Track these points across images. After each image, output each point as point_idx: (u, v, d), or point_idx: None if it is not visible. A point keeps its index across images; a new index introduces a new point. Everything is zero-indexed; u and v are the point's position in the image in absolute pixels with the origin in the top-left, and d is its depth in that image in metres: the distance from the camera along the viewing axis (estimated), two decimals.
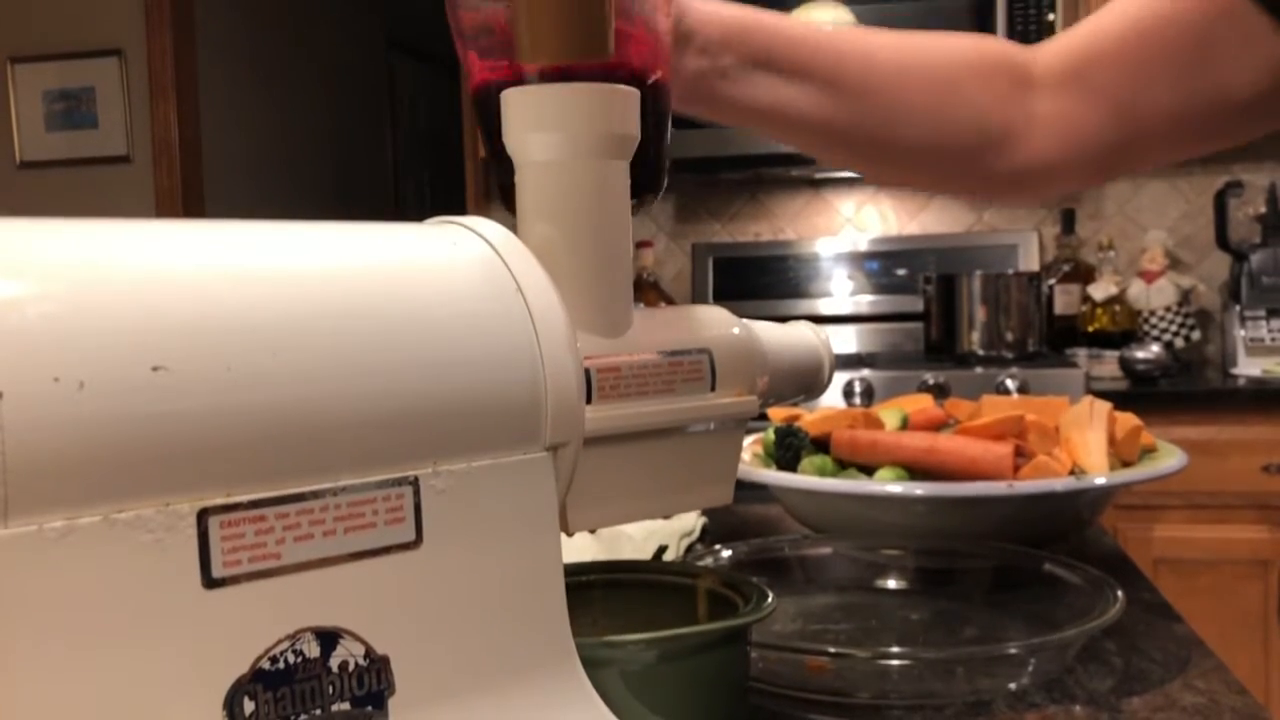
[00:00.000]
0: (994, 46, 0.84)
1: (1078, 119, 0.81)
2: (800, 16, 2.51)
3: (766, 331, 0.58)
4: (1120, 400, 1.03)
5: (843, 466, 0.95)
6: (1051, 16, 2.36)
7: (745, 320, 0.57)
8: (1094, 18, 0.83)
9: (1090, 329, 2.62)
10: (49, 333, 0.29)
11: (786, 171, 2.83)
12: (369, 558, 0.35)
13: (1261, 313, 2.43)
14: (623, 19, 0.53)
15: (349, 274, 0.37)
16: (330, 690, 0.34)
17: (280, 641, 0.33)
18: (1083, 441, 0.93)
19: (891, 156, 0.82)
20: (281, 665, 0.33)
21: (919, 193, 2.75)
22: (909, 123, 0.79)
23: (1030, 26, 2.37)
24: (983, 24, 2.39)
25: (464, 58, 0.58)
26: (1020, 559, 0.81)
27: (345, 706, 0.35)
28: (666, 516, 0.98)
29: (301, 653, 0.34)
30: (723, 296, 2.85)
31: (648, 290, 2.76)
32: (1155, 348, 2.35)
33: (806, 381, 0.61)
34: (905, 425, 1.00)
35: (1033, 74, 0.82)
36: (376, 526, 0.35)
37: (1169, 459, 0.94)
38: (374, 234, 0.40)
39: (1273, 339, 2.42)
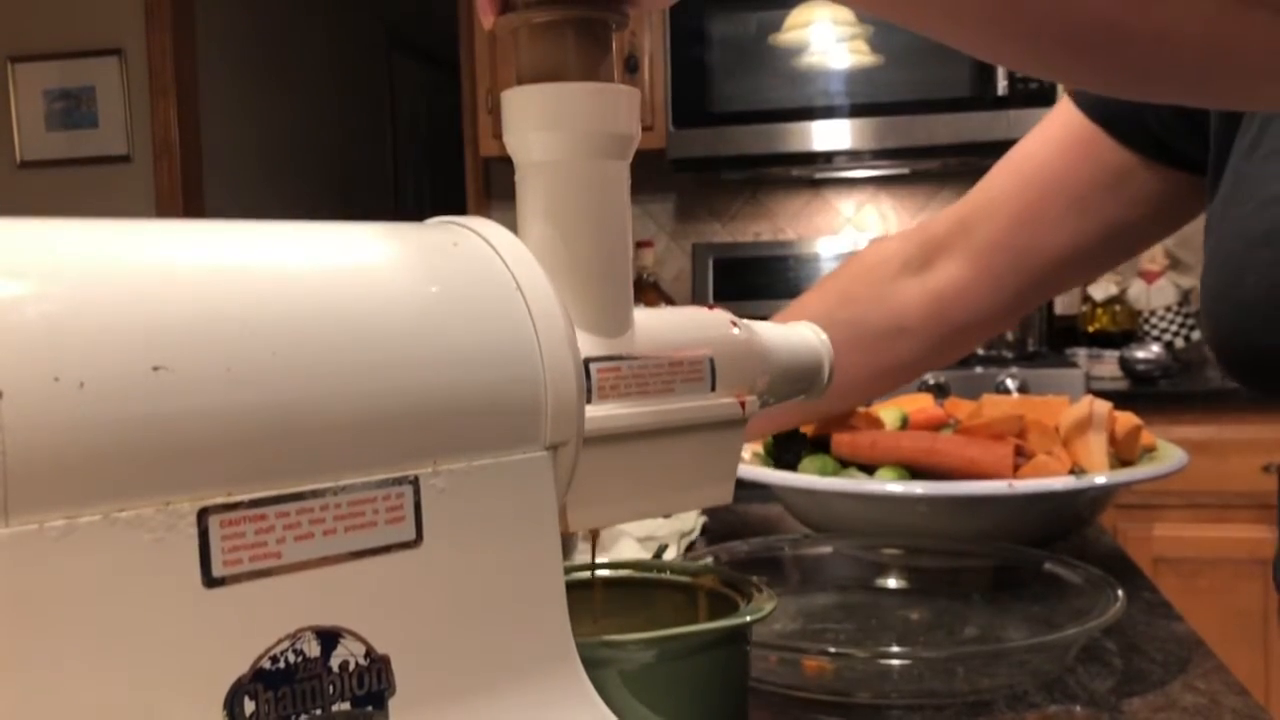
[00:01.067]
0: (881, 249, 0.93)
1: (964, 277, 0.88)
2: (799, 15, 2.51)
3: (766, 332, 0.58)
4: (1120, 400, 1.03)
5: (843, 466, 0.95)
6: None
7: (745, 320, 0.57)
8: (984, 181, 0.92)
9: (1090, 329, 2.62)
10: (49, 333, 0.29)
11: (787, 171, 2.83)
12: (369, 557, 0.35)
13: None
14: None
15: (349, 274, 0.37)
16: (331, 690, 0.34)
17: (280, 641, 0.33)
18: (1083, 441, 0.93)
19: (827, 405, 0.94)
20: (282, 665, 0.33)
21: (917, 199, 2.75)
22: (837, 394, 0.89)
23: None
24: None
25: None
26: (1020, 559, 0.81)
27: (345, 706, 0.35)
28: (666, 516, 0.98)
29: (302, 652, 0.34)
30: (723, 296, 2.85)
31: (648, 290, 2.76)
32: (1155, 347, 2.35)
33: (806, 382, 0.61)
34: (905, 425, 1.00)
35: (924, 253, 0.90)
36: (377, 526, 0.35)
37: (1169, 459, 0.94)
38: (374, 234, 0.40)
39: None
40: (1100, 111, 0.85)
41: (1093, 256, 0.89)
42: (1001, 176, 0.90)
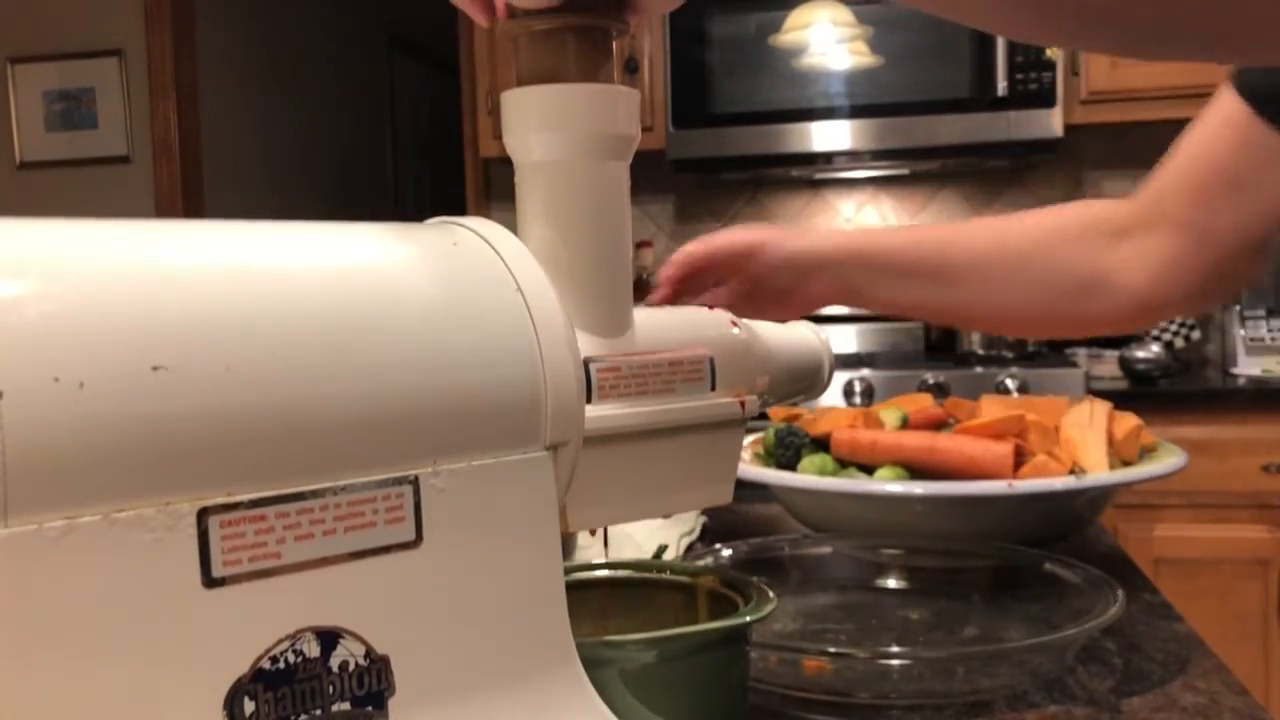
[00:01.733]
0: (1092, 208, 0.94)
1: (1163, 251, 0.89)
2: (799, 16, 2.51)
3: (766, 331, 0.58)
4: (1120, 400, 1.03)
5: (843, 466, 0.95)
6: None
7: (745, 320, 0.57)
8: (1169, 157, 0.91)
9: None
10: (49, 332, 0.30)
11: (786, 172, 2.83)
12: (369, 557, 0.35)
13: (1261, 312, 2.43)
14: None
15: (349, 274, 0.37)
16: (330, 690, 0.34)
17: (280, 641, 0.33)
18: (1083, 441, 0.93)
19: (997, 321, 0.99)
20: (282, 665, 0.33)
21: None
22: (999, 294, 0.91)
23: None
24: None
25: None
26: (1020, 559, 0.81)
27: (345, 706, 0.35)
28: (666, 516, 0.98)
29: (302, 652, 0.34)
30: None
31: (648, 290, 2.75)
32: (1155, 347, 2.35)
33: (806, 381, 0.61)
34: (905, 425, 1.00)
35: (1127, 221, 0.91)
36: (376, 526, 0.35)
37: (1169, 458, 0.94)
38: (374, 234, 0.40)
39: (1272, 338, 2.42)
40: (1250, 93, 0.85)
41: (1262, 241, 0.89)
42: (1177, 156, 0.91)
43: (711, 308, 0.57)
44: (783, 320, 0.76)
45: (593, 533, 0.90)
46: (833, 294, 0.91)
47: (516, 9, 0.48)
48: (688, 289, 0.92)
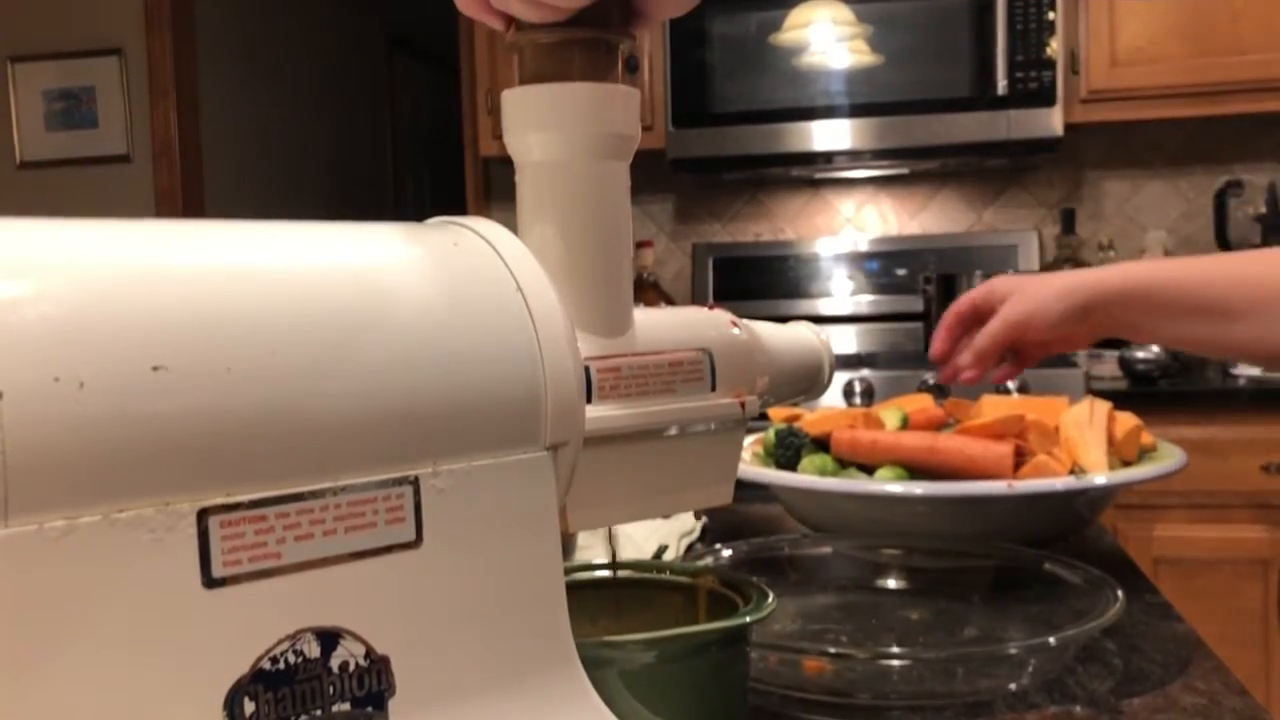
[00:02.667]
0: None
1: None
2: (799, 15, 2.51)
3: (766, 331, 0.58)
4: (1120, 400, 1.03)
5: (843, 466, 0.95)
6: (1051, 15, 2.36)
7: (745, 320, 0.57)
8: None
9: None
10: (49, 333, 0.29)
11: (787, 172, 2.83)
12: (369, 557, 0.35)
13: None
14: None
15: (349, 274, 0.37)
16: (330, 691, 0.34)
17: (280, 642, 0.33)
18: (1083, 441, 0.93)
19: None
20: (282, 665, 0.33)
21: None
22: None
23: (1030, 26, 2.37)
24: (983, 24, 2.39)
25: None
26: (1020, 559, 0.81)
27: (345, 707, 0.35)
28: (666, 516, 0.98)
29: (302, 653, 0.34)
30: (723, 296, 2.85)
31: (648, 290, 2.76)
32: (1155, 348, 2.35)
33: (806, 381, 0.61)
34: (905, 425, 1.00)
35: None
36: (377, 526, 0.35)
37: (1169, 459, 0.94)
38: (374, 234, 0.40)
39: None
40: None
41: None
42: None
43: (711, 308, 0.57)
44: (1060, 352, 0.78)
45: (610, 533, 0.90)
46: (1106, 332, 0.90)
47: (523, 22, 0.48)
48: (961, 336, 0.97)
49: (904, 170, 2.81)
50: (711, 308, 0.57)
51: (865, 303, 2.83)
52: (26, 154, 3.28)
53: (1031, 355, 0.95)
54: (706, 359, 0.52)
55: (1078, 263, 2.67)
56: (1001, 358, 0.94)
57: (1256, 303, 0.86)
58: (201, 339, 0.32)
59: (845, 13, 2.49)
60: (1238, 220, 2.50)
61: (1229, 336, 0.88)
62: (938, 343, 0.98)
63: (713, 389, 0.52)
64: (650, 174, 2.77)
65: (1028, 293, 0.90)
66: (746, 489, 0.80)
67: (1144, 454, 0.97)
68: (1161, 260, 0.92)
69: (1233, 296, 0.86)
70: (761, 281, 2.87)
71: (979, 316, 0.96)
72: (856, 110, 2.50)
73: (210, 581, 0.32)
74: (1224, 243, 2.47)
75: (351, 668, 0.35)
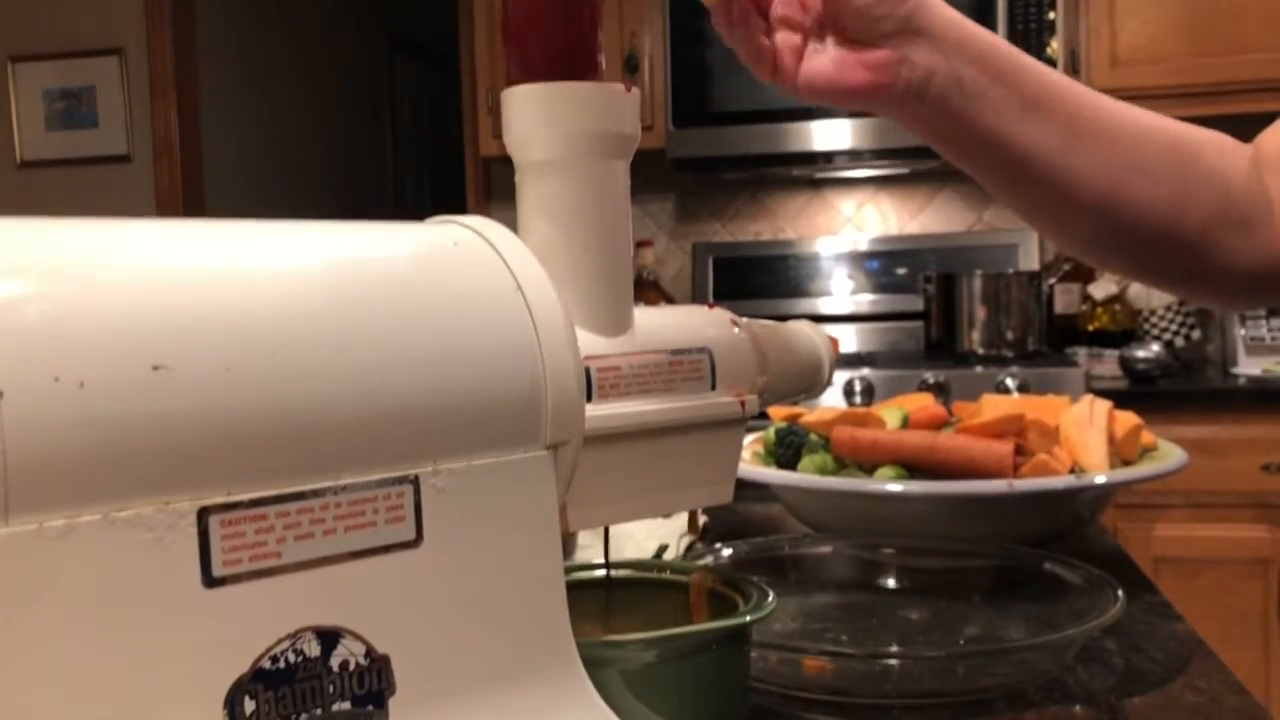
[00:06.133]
0: (1223, 136, 0.74)
1: None
2: None
3: (767, 330, 0.58)
4: (1120, 399, 1.03)
5: (843, 466, 0.95)
6: (1051, 15, 2.36)
7: (745, 319, 0.57)
8: None
9: (1090, 328, 2.62)
10: (49, 333, 0.29)
11: (787, 171, 2.83)
12: (369, 556, 0.35)
13: (1261, 312, 2.43)
14: None
15: (349, 274, 0.37)
16: (331, 690, 0.34)
17: (281, 641, 0.33)
18: (1083, 440, 0.92)
19: (1124, 220, 0.70)
20: (282, 664, 0.33)
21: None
22: (1151, 179, 0.69)
23: (1030, 25, 2.37)
24: (983, 23, 2.38)
25: None
26: (1020, 559, 0.81)
27: (346, 706, 0.35)
28: (666, 516, 0.98)
29: (302, 652, 0.34)
30: (723, 296, 2.85)
31: (648, 290, 2.76)
32: (1155, 347, 2.35)
33: (806, 381, 0.61)
34: (905, 424, 1.00)
35: (1266, 159, 0.73)
36: (377, 525, 0.35)
37: (1169, 458, 0.94)
38: (374, 234, 0.40)
39: (1273, 338, 2.42)
40: None
41: None
42: None
43: (711, 307, 0.57)
44: (850, 84, 0.63)
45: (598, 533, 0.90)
46: (922, 76, 0.65)
47: None
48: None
49: (904, 170, 2.81)
50: (711, 307, 0.57)
51: (865, 302, 2.83)
52: (26, 154, 3.28)
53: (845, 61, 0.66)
54: (706, 358, 0.52)
55: (1078, 263, 2.67)
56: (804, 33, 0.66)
57: (1123, 132, 0.69)
58: (201, 339, 0.32)
59: None
60: None
61: (1074, 158, 0.68)
62: None
63: (713, 388, 0.52)
64: (650, 174, 2.77)
65: None
66: (746, 488, 0.80)
67: (1144, 453, 0.97)
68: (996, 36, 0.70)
69: (1084, 114, 0.69)
70: (761, 281, 2.87)
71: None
72: (857, 110, 2.49)
73: (210, 581, 0.32)
74: None
75: (352, 667, 0.35)
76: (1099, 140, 0.69)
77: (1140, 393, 2.25)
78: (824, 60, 0.65)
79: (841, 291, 2.84)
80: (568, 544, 0.89)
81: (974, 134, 0.68)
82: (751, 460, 1.00)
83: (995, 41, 0.69)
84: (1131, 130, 0.70)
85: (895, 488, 0.87)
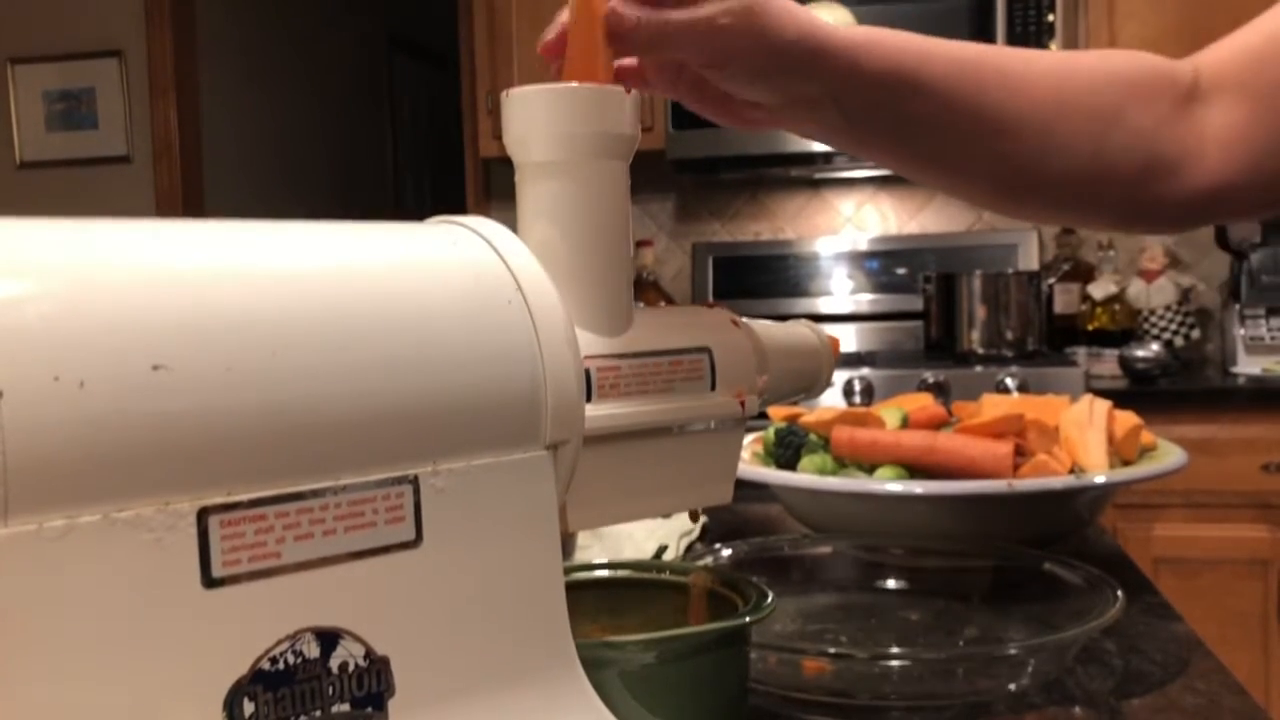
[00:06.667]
0: (1152, 63, 0.73)
1: (1230, 127, 0.71)
2: None
3: (766, 330, 0.58)
4: (1120, 399, 1.03)
5: (843, 466, 0.95)
6: (1051, 17, 2.36)
7: (745, 319, 0.57)
8: (1257, 21, 0.72)
9: (1090, 328, 2.62)
10: (49, 332, 0.29)
11: (786, 171, 2.83)
12: (369, 557, 0.35)
13: (1261, 311, 2.43)
14: None
15: (349, 274, 0.37)
16: (330, 691, 0.34)
17: (280, 642, 0.33)
18: (1082, 440, 0.92)
19: (1042, 193, 0.71)
20: (281, 666, 0.33)
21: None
22: (1065, 155, 0.69)
23: (1030, 27, 2.37)
24: (983, 24, 2.39)
25: None
26: (1020, 559, 0.81)
27: (345, 708, 0.35)
28: (666, 516, 0.98)
29: (301, 653, 0.34)
30: (723, 296, 2.85)
31: (648, 290, 2.76)
32: (1155, 346, 2.35)
33: (806, 381, 0.61)
34: (905, 424, 1.00)
35: (1198, 87, 0.72)
36: (376, 526, 0.35)
37: (1169, 458, 0.94)
38: (374, 234, 0.40)
39: (1272, 338, 2.42)
40: None
41: None
42: (1245, 31, 0.72)
43: (711, 306, 0.57)
44: (719, 117, 0.61)
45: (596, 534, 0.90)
46: (815, 122, 0.64)
47: None
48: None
49: None
50: (711, 307, 0.57)
51: (865, 302, 2.83)
52: (26, 154, 3.28)
53: (706, 93, 0.64)
54: (706, 358, 0.52)
55: (1078, 262, 2.67)
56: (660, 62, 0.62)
57: (1031, 118, 0.67)
58: (201, 339, 0.32)
59: (845, 14, 2.49)
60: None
61: (963, 162, 0.68)
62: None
63: (713, 388, 0.52)
64: (650, 174, 2.77)
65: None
66: (746, 488, 0.80)
67: (1144, 453, 0.97)
68: (902, 44, 0.66)
69: (985, 113, 0.67)
70: (761, 281, 2.87)
71: None
72: None
73: (210, 581, 0.32)
74: (1224, 242, 2.47)
75: (351, 668, 0.35)
76: (1003, 136, 0.67)
77: (1140, 392, 2.24)
78: (700, 99, 0.65)
79: (841, 291, 2.84)
80: (567, 544, 0.89)
81: (863, 148, 0.68)
82: (751, 460, 1.00)
83: (890, 69, 0.65)
84: (1042, 113, 0.68)
85: (895, 488, 0.87)
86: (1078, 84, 0.70)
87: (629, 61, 0.61)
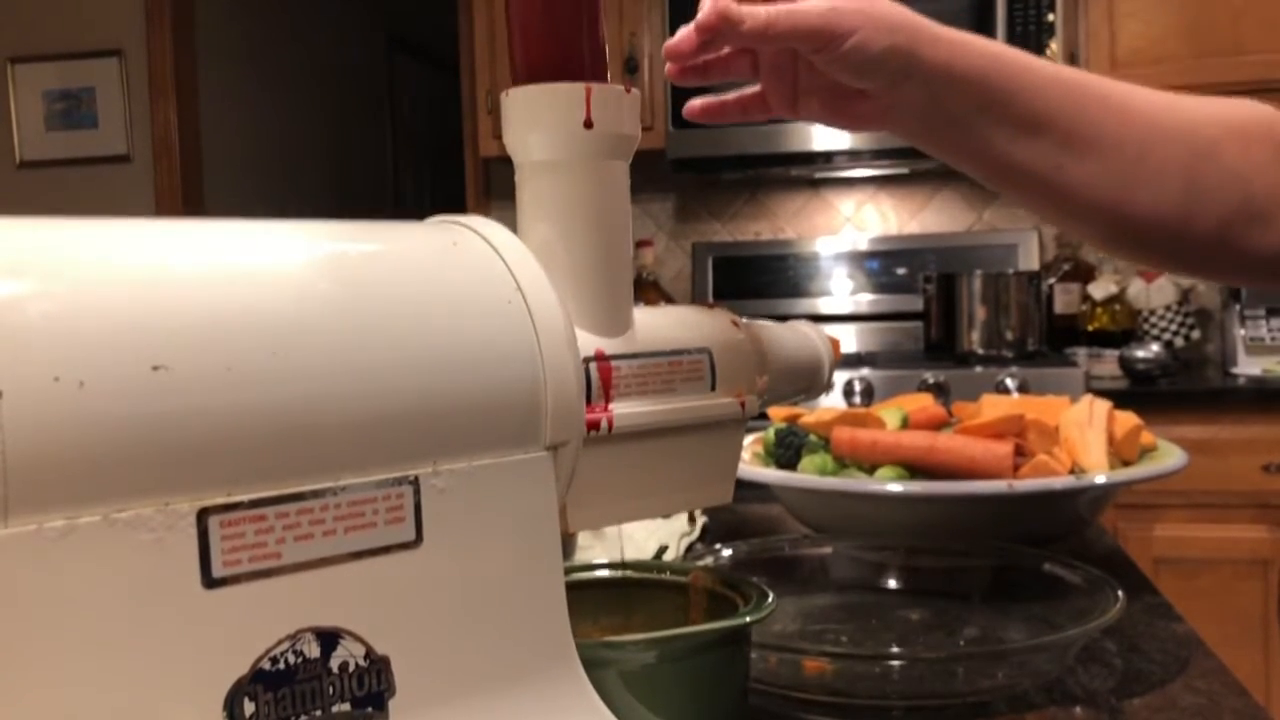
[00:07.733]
0: (1257, 109, 0.72)
1: None
2: None
3: (766, 331, 0.58)
4: (1120, 399, 1.03)
5: (843, 466, 0.95)
6: (1051, 17, 2.36)
7: (745, 319, 0.57)
8: None
9: (1090, 328, 2.62)
10: (49, 332, 0.29)
11: (786, 171, 2.83)
12: (369, 557, 0.35)
13: (1261, 312, 2.43)
14: None
15: (349, 274, 0.37)
16: (330, 691, 0.34)
17: (280, 642, 0.33)
18: (1082, 441, 0.92)
19: (1128, 225, 0.69)
20: (282, 666, 0.33)
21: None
22: (1156, 184, 0.68)
23: (1030, 27, 2.37)
24: (983, 24, 2.39)
25: None
26: (1020, 559, 0.81)
27: (345, 707, 0.35)
28: (666, 516, 0.98)
29: (302, 653, 0.34)
30: (723, 296, 2.85)
31: (648, 290, 2.76)
32: (1155, 347, 2.35)
33: (807, 381, 0.61)
34: (905, 424, 1.00)
35: None
36: (377, 526, 0.35)
37: (1169, 458, 0.94)
38: (374, 233, 0.40)
39: (1272, 338, 2.42)
40: None
41: None
42: None
43: (711, 306, 0.57)
44: (843, 125, 0.65)
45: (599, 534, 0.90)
46: (911, 111, 0.66)
47: None
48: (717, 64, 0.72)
49: (904, 170, 2.81)
50: (711, 306, 0.57)
51: (865, 302, 2.83)
52: (26, 154, 3.28)
53: (816, 96, 0.69)
54: (706, 358, 0.52)
55: (1078, 262, 2.67)
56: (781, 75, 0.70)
57: (1126, 144, 0.67)
58: (202, 339, 0.32)
59: None
60: None
61: (1058, 175, 0.67)
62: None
63: (713, 388, 0.52)
64: (650, 174, 2.77)
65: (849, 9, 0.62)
66: (746, 489, 0.80)
67: (1144, 454, 0.97)
68: (1003, 50, 0.67)
69: (1081, 129, 0.67)
70: (761, 281, 2.87)
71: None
72: None
73: (210, 581, 0.32)
74: None
75: (351, 668, 0.35)
76: (1096, 153, 0.67)
77: (1140, 393, 2.24)
78: (814, 105, 0.68)
79: (841, 291, 2.84)
80: (567, 544, 0.89)
81: (961, 152, 0.68)
82: (751, 461, 1.00)
83: (989, 69, 0.66)
84: (1138, 135, 0.68)
85: (895, 488, 0.87)
86: (1177, 116, 0.70)
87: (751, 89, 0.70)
